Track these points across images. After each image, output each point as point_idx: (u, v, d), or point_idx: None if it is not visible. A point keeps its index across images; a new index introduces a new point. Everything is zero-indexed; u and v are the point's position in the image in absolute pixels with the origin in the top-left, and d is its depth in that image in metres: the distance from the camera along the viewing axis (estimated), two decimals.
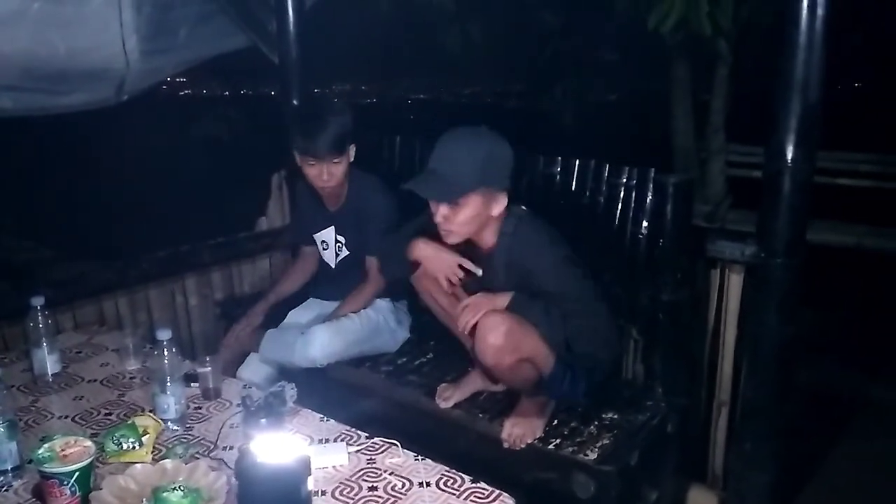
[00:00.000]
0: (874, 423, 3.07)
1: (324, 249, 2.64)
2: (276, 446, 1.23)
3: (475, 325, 1.91)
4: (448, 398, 2.18)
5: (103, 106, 3.10)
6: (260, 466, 1.21)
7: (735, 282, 2.26)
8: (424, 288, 2.17)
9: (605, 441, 1.97)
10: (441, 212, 1.90)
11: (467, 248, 2.03)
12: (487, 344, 1.87)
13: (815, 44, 1.83)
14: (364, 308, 2.49)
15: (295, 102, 3.03)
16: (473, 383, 2.22)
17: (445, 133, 1.94)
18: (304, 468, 1.24)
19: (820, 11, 1.81)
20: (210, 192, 6.83)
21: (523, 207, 2.03)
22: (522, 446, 1.98)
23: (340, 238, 2.57)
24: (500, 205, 1.92)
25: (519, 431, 1.99)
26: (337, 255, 2.61)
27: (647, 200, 2.20)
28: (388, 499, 1.46)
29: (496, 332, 1.86)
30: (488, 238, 1.99)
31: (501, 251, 1.98)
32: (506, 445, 1.99)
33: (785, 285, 2.01)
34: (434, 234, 2.02)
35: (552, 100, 7.05)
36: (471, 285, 2.10)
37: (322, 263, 2.69)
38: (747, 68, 5.80)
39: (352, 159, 2.43)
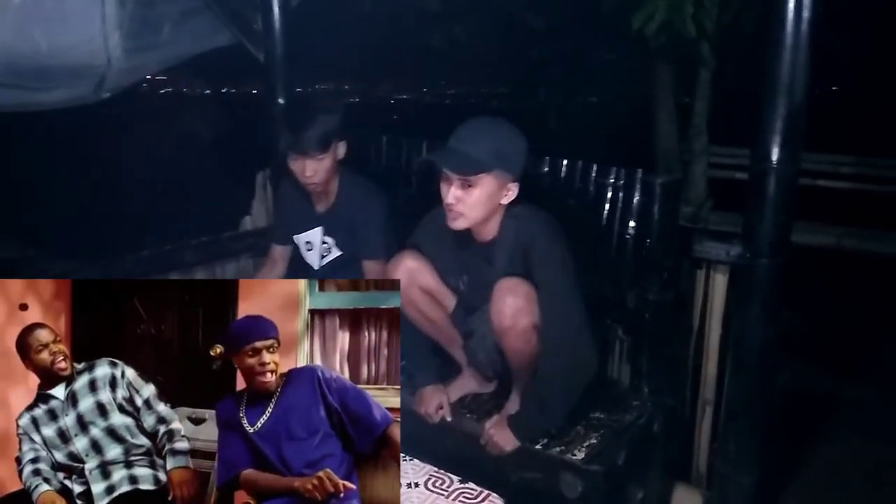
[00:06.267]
0: (853, 423, 3.10)
1: (307, 251, 2.60)
2: None
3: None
4: (437, 408, 2.11)
5: (82, 104, 3.05)
6: None
7: (720, 282, 2.27)
8: (409, 302, 2.12)
9: (593, 441, 1.98)
10: (453, 192, 1.86)
11: (465, 242, 2.01)
12: (506, 303, 1.86)
13: (801, 45, 1.85)
14: None
15: (280, 101, 3.01)
16: (464, 386, 2.20)
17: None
18: None
19: (806, 13, 1.83)
20: (193, 190, 6.79)
21: None
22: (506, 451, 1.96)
23: (329, 239, 2.53)
24: (511, 193, 1.91)
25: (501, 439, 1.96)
26: (322, 256, 2.57)
27: (634, 200, 2.20)
28: None
29: (517, 292, 1.85)
30: (490, 229, 1.96)
31: (508, 233, 1.95)
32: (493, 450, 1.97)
33: (769, 286, 2.02)
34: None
35: (536, 101, 7.09)
36: (472, 277, 2.06)
37: (302, 265, 2.63)
38: (729, 71, 5.86)
39: (340, 157, 2.40)
